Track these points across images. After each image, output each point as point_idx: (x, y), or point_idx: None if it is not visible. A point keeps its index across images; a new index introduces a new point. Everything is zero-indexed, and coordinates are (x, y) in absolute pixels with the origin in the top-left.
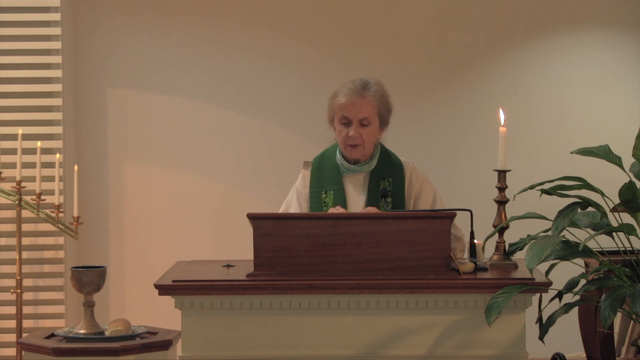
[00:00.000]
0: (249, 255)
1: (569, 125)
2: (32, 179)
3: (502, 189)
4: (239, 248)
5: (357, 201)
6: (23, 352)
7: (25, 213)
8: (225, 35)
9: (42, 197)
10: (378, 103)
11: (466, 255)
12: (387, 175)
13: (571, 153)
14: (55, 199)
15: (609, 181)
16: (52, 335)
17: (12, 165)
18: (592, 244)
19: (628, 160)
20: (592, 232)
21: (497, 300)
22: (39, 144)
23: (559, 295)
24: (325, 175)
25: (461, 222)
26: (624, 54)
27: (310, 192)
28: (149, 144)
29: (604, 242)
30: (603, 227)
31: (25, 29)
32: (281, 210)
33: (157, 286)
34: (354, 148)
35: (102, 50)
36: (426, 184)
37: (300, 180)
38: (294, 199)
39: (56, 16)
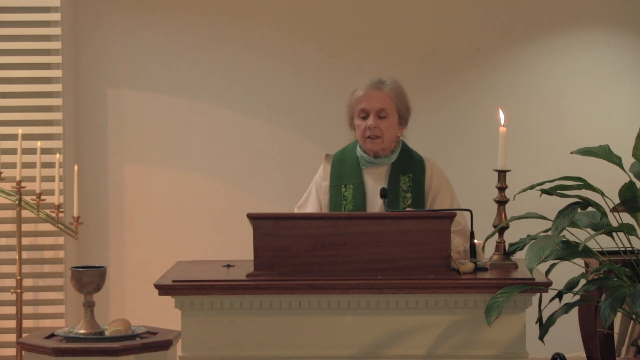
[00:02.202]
0: (249, 255)
1: (569, 125)
2: (32, 179)
3: (502, 189)
4: (239, 248)
5: (376, 195)
6: (23, 352)
7: (25, 213)
8: (226, 35)
9: (42, 197)
10: (395, 97)
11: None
12: (408, 171)
13: (571, 153)
14: (55, 199)
15: (609, 181)
16: (52, 335)
17: (12, 165)
18: (592, 244)
19: (628, 160)
20: (592, 232)
21: (497, 300)
22: (39, 144)
23: (559, 295)
24: (345, 169)
25: None
26: (624, 54)
27: (330, 186)
28: (149, 144)
29: (604, 242)
30: (603, 227)
31: (25, 29)
32: (299, 203)
33: (157, 286)
34: (373, 140)
35: (102, 51)
36: (445, 186)
37: (320, 173)
38: (312, 192)
39: (56, 16)
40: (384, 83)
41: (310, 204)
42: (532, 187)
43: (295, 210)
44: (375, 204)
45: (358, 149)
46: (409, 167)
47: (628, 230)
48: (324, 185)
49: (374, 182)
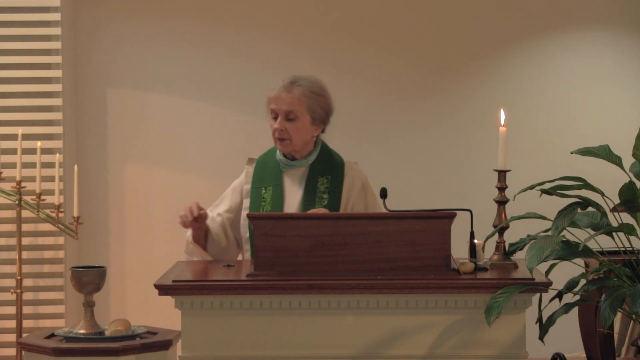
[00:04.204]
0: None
1: (569, 125)
2: (32, 179)
3: (502, 189)
4: None
5: (294, 197)
6: (23, 352)
7: (25, 213)
8: (226, 34)
9: (42, 197)
10: (307, 98)
11: (466, 255)
12: (327, 173)
13: (571, 153)
14: (55, 199)
15: (609, 181)
16: (52, 335)
17: (12, 165)
18: (592, 244)
19: (628, 160)
20: (592, 232)
21: (497, 300)
22: (39, 144)
23: (559, 295)
24: (266, 172)
25: (461, 222)
26: (624, 54)
27: (252, 188)
28: (149, 144)
29: (604, 242)
30: (603, 227)
31: (25, 29)
32: (215, 204)
33: (157, 286)
34: (281, 142)
35: (102, 50)
36: (368, 198)
37: (242, 177)
38: (227, 196)
39: (56, 16)
40: (296, 84)
41: (222, 206)
42: (532, 187)
43: (208, 211)
44: (293, 205)
45: (277, 151)
46: (328, 168)
47: (628, 230)
48: (246, 188)
49: (292, 183)
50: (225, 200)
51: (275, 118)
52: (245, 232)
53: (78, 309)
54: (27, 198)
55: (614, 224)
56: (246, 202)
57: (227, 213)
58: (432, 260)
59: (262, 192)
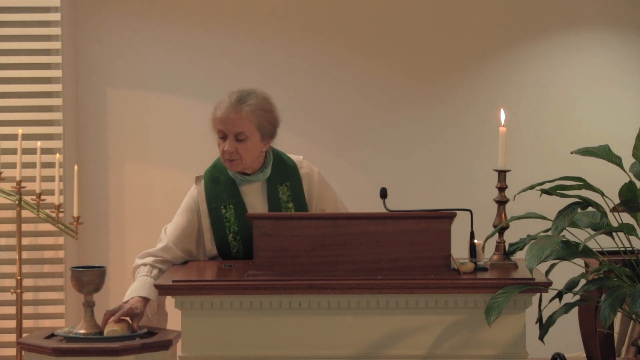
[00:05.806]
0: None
1: (569, 125)
2: (32, 179)
3: (502, 189)
4: None
5: (260, 211)
6: (23, 352)
7: (25, 213)
8: (226, 35)
9: (42, 197)
10: (256, 117)
11: (466, 255)
12: (284, 180)
13: (571, 153)
14: (55, 199)
15: (609, 181)
16: (52, 335)
17: (12, 165)
18: (592, 244)
19: (628, 160)
20: (592, 232)
21: (497, 300)
22: (39, 144)
23: (559, 295)
24: (221, 189)
25: (461, 222)
26: (623, 54)
27: (209, 208)
28: (149, 143)
29: (604, 242)
30: (603, 227)
31: (25, 29)
32: (162, 235)
33: (157, 286)
34: (231, 162)
35: (102, 50)
36: (327, 191)
37: (195, 196)
38: (180, 221)
39: (56, 16)
40: (244, 104)
41: (174, 228)
42: (532, 187)
43: (162, 231)
44: None
45: None
46: (284, 176)
47: (628, 230)
48: (202, 208)
49: (253, 198)
50: (176, 225)
51: (223, 138)
52: (211, 252)
53: (78, 309)
54: (27, 198)
55: (614, 224)
56: (206, 222)
57: (180, 237)
58: (432, 260)
59: (222, 211)
